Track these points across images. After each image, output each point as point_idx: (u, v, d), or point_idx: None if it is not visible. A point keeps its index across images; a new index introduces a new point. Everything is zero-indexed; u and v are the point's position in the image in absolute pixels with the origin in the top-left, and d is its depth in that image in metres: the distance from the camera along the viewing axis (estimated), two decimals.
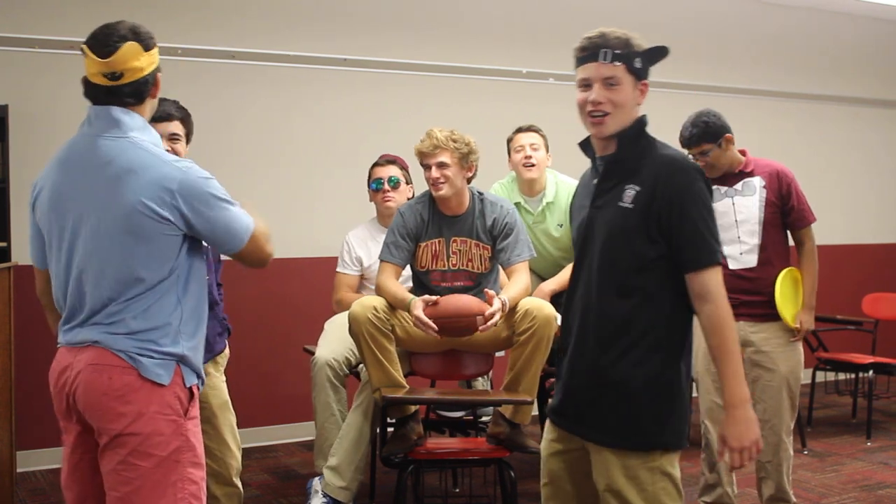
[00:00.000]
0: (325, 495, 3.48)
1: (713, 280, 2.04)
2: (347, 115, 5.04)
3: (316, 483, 3.62)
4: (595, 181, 2.18)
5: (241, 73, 4.75)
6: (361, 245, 4.00)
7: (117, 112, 2.08)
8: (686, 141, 3.36)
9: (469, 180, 3.48)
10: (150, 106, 2.17)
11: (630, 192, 2.08)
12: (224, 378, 3.13)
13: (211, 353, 3.04)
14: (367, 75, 5.04)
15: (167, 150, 2.87)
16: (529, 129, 4.05)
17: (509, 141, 4.08)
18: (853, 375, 5.43)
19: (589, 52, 2.10)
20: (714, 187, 3.40)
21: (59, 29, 4.30)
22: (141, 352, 2.03)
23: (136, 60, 2.07)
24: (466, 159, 3.41)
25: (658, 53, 2.13)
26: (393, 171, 3.94)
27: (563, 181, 4.03)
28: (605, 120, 2.09)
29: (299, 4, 4.91)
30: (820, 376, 5.65)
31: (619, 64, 2.07)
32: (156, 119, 2.89)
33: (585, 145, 2.23)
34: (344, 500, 3.47)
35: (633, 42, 2.10)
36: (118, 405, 2.01)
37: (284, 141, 4.91)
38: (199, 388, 2.16)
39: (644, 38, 2.12)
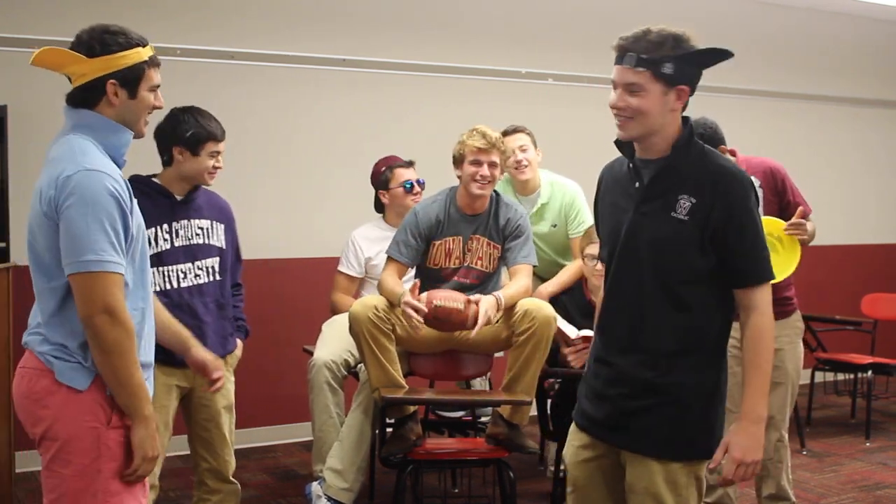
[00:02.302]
0: (328, 499, 3.49)
1: (764, 295, 2.05)
2: (347, 116, 5.04)
3: (315, 487, 3.61)
4: (637, 184, 2.11)
5: (240, 73, 4.75)
6: (371, 246, 4.00)
7: (71, 111, 2.05)
8: None
9: None
10: (113, 112, 2.04)
11: (685, 203, 2.03)
12: (233, 379, 3.16)
13: (222, 352, 3.07)
14: (367, 75, 5.04)
15: (220, 167, 2.96)
16: (515, 130, 4.01)
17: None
18: (852, 376, 5.43)
19: (617, 55, 2.04)
20: None
21: (59, 29, 4.28)
22: (55, 354, 1.98)
23: (72, 66, 2.00)
24: (504, 162, 3.52)
25: (710, 56, 2.03)
26: (415, 172, 4.05)
27: (557, 182, 4.02)
28: (626, 123, 2.05)
29: (299, 4, 4.91)
30: (819, 376, 5.65)
31: (642, 70, 1.99)
32: (215, 140, 2.97)
33: (621, 143, 2.15)
34: (347, 501, 3.48)
35: (669, 44, 2.00)
36: (36, 409, 1.99)
37: (284, 141, 4.91)
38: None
39: (699, 38, 2.04)
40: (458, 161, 3.47)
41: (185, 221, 3.01)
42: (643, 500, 2.09)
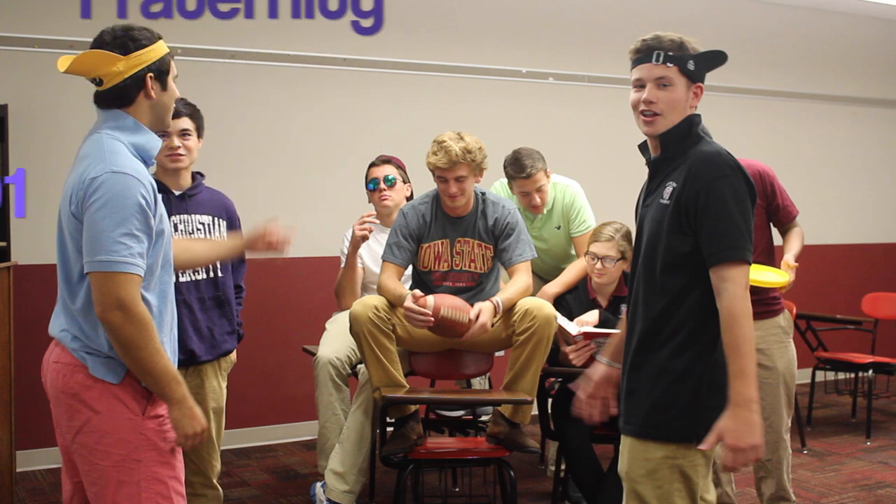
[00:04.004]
0: (330, 502, 3.49)
1: (731, 276, 2.02)
2: (347, 115, 5.04)
3: (319, 491, 3.62)
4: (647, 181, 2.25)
5: (240, 72, 4.75)
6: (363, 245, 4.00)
7: (102, 113, 2.09)
8: None
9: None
10: (150, 105, 2.10)
11: (669, 188, 2.12)
12: (226, 384, 3.12)
13: (216, 351, 3.04)
14: (367, 75, 5.04)
15: (179, 147, 2.89)
16: (530, 175, 3.75)
17: (509, 177, 3.88)
18: (853, 375, 5.43)
19: (643, 54, 2.15)
20: None
21: (59, 29, 4.30)
22: (87, 349, 2.02)
23: (107, 67, 2.03)
24: (479, 166, 3.42)
25: (714, 58, 2.17)
26: (389, 170, 3.93)
27: (559, 183, 4.01)
28: (655, 119, 2.14)
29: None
30: (819, 376, 5.65)
31: (671, 65, 2.12)
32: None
33: (644, 147, 2.27)
34: (348, 503, 3.48)
35: (687, 45, 2.14)
36: (74, 403, 2.03)
37: (284, 141, 4.91)
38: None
39: (700, 42, 2.17)
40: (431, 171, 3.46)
41: (186, 216, 2.97)
42: (628, 486, 2.13)
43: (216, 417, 3.05)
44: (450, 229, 3.46)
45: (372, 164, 4.00)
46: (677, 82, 2.13)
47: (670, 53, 2.12)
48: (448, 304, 3.24)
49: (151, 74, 2.07)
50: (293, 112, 4.94)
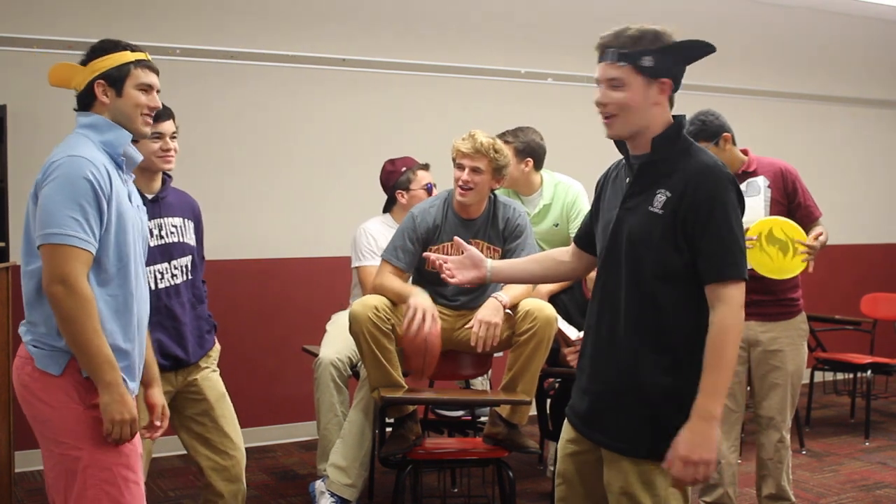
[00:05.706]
0: (331, 494, 3.49)
1: (729, 294, 1.98)
2: (347, 116, 5.04)
3: (319, 485, 3.62)
4: (627, 180, 2.12)
5: (240, 73, 4.75)
6: (383, 240, 3.96)
7: (77, 116, 2.28)
8: None
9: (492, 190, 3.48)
10: (108, 111, 2.23)
11: (661, 197, 2.02)
12: (218, 371, 3.09)
13: (203, 351, 3.03)
14: (367, 75, 5.05)
15: (171, 149, 2.91)
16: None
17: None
18: (851, 375, 5.44)
19: (599, 53, 2.07)
20: None
21: (59, 29, 4.30)
22: (34, 342, 2.15)
23: (74, 78, 2.24)
24: (500, 172, 3.40)
25: (692, 49, 2.05)
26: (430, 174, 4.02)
27: (561, 182, 4.02)
28: (612, 121, 2.05)
29: (299, 4, 4.91)
30: (818, 376, 5.66)
31: (623, 64, 2.01)
32: (159, 119, 2.88)
33: (620, 142, 2.16)
34: (350, 497, 3.49)
35: (648, 39, 2.02)
36: (26, 394, 2.17)
37: (284, 141, 4.91)
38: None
39: (678, 33, 2.05)
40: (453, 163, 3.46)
41: (160, 220, 2.93)
42: (619, 499, 2.08)
43: (221, 404, 3.02)
44: (461, 231, 3.45)
45: (419, 168, 4.00)
46: (631, 82, 2.01)
47: (623, 52, 2.01)
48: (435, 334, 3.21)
49: (102, 81, 2.22)
50: (292, 113, 4.94)
